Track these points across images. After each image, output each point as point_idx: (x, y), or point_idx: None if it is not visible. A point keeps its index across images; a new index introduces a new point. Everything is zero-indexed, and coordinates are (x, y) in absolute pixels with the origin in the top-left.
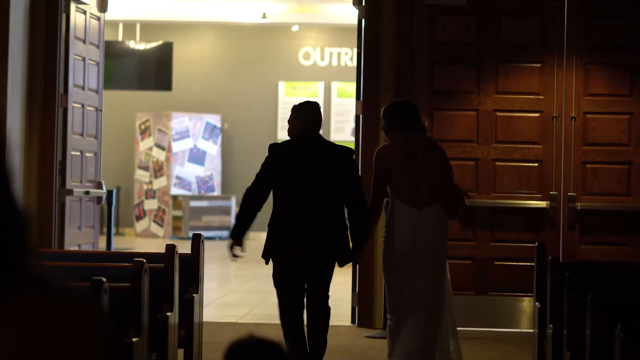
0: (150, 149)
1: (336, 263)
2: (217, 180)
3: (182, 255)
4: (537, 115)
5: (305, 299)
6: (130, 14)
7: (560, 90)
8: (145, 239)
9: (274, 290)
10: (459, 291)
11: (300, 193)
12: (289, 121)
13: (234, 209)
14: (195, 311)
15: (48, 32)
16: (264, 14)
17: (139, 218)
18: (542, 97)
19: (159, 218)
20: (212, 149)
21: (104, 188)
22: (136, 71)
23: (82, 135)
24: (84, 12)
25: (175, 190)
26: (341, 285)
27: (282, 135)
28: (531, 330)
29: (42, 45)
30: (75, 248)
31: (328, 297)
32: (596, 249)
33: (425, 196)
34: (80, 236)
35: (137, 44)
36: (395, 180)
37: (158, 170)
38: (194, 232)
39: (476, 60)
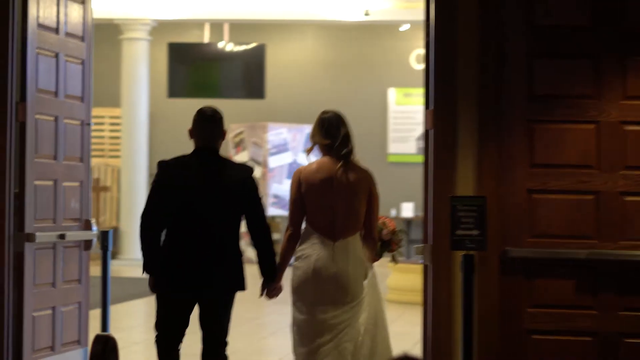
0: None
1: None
2: None
3: None
4: None
5: (183, 333)
6: (218, 12)
7: None
8: None
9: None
10: None
11: (189, 219)
12: (190, 130)
13: None
14: None
15: None
16: (367, 11)
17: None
18: None
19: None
20: (313, 156)
21: (95, 228)
22: (225, 77)
23: (55, 158)
24: None
25: (272, 211)
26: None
27: (394, 148)
28: None
29: None
30: (46, 312)
31: (225, 343)
32: None
33: (340, 227)
34: (55, 296)
35: (225, 47)
36: (310, 206)
37: None
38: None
39: (594, 52)
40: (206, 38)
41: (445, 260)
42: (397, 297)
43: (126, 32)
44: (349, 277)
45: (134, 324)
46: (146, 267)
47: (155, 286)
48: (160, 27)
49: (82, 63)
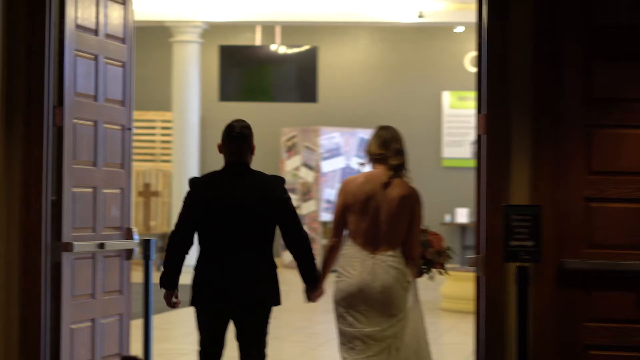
0: (297, 168)
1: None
2: None
3: None
4: None
5: (223, 344)
6: (269, 15)
7: None
8: (293, 271)
9: None
10: None
11: (219, 234)
12: (219, 145)
13: None
14: None
15: (31, 18)
16: (421, 12)
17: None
18: None
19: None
20: (367, 169)
21: (136, 237)
22: (277, 80)
23: (94, 164)
24: None
25: (326, 216)
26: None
27: (448, 152)
28: None
29: (22, 39)
30: (85, 324)
31: (263, 357)
32: None
33: (381, 240)
34: (95, 308)
35: (278, 50)
36: (352, 217)
37: (306, 193)
38: None
39: None
40: (258, 41)
41: (498, 272)
42: (451, 306)
43: (177, 35)
44: (391, 289)
45: (183, 332)
46: (163, 282)
47: (190, 302)
48: (211, 30)
49: (123, 65)
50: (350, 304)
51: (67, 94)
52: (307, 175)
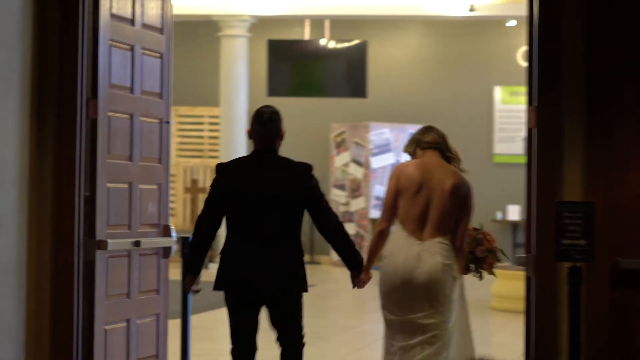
0: (347, 164)
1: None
2: None
3: None
4: None
5: (255, 335)
6: (318, 8)
7: None
8: (341, 269)
9: None
10: None
11: (249, 219)
12: (249, 130)
13: None
14: None
15: (64, 7)
16: (472, 6)
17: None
18: None
19: (357, 245)
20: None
21: (174, 234)
22: (326, 75)
23: (130, 159)
24: None
25: (375, 213)
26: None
27: (500, 148)
28: None
29: (55, 28)
30: (120, 325)
31: (300, 343)
32: None
33: (429, 227)
34: (130, 308)
35: (327, 44)
36: (402, 202)
37: (355, 189)
38: None
39: None
40: (307, 35)
41: (549, 272)
42: (501, 305)
43: (225, 29)
44: (438, 275)
45: (227, 331)
46: (188, 266)
47: (214, 288)
48: (259, 24)
49: (161, 57)
50: (397, 294)
51: (102, 85)
52: (356, 171)
